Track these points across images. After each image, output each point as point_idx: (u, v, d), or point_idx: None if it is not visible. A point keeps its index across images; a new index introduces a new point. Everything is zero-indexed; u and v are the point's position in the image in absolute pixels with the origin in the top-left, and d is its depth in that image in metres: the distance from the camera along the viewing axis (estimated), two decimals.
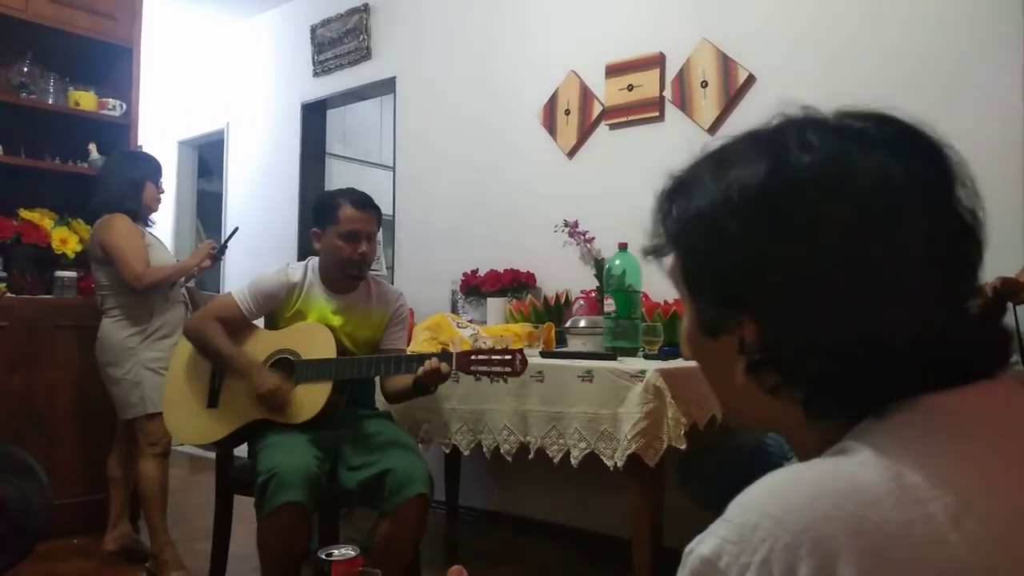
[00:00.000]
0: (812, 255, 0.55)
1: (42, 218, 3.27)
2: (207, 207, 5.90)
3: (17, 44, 3.38)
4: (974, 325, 0.58)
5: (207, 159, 5.92)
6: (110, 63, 3.59)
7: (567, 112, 3.37)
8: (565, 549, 3.13)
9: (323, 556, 1.01)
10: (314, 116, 4.71)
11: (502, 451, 2.38)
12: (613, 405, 2.13)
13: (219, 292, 4.57)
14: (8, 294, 3.10)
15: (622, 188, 3.16)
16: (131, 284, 2.76)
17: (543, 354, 2.50)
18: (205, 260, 2.93)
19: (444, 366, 2.10)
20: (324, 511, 2.52)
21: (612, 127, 3.24)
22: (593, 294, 2.98)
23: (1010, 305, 2.08)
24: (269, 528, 2.00)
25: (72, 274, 3.28)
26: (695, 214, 0.62)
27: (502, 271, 3.36)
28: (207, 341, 2.29)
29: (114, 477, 2.98)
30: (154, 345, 2.84)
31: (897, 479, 0.49)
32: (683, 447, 2.04)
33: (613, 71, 3.22)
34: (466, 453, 2.56)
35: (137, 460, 2.84)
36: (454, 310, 3.44)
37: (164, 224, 4.88)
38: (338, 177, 4.98)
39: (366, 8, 4.25)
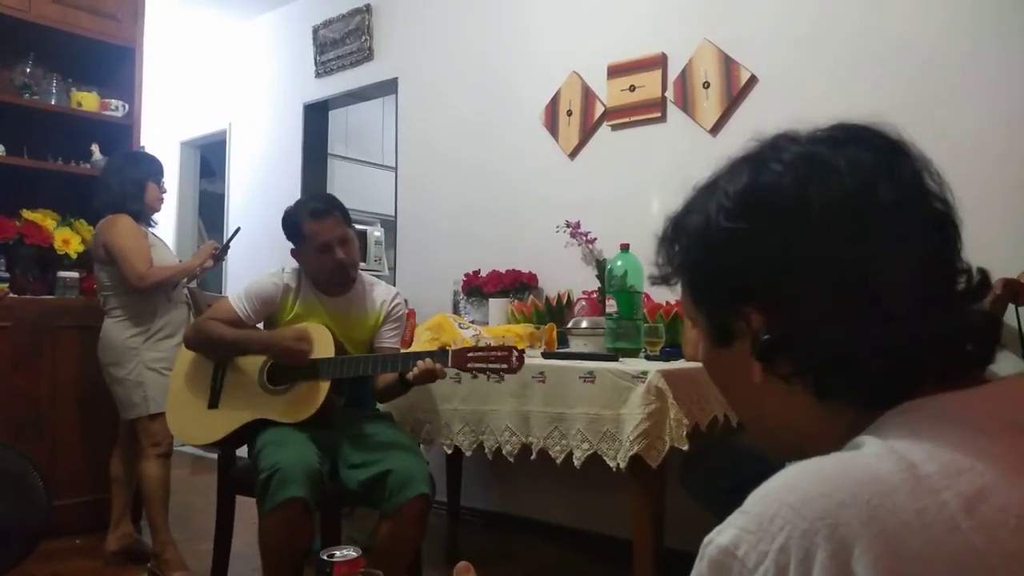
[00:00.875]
0: (796, 242, 0.59)
1: (44, 219, 3.28)
2: (209, 207, 5.91)
3: (20, 45, 3.38)
4: (966, 312, 0.61)
5: (209, 160, 5.92)
6: (113, 64, 3.60)
7: (569, 113, 3.37)
8: (567, 550, 3.13)
9: (325, 557, 1.01)
10: (316, 117, 4.72)
11: (504, 452, 2.38)
12: (615, 406, 2.12)
13: (221, 293, 4.57)
14: (11, 294, 3.10)
15: (624, 189, 3.16)
16: (134, 284, 2.76)
17: (545, 355, 2.50)
18: (208, 260, 2.94)
19: (439, 367, 2.11)
20: (325, 511, 2.53)
21: (614, 128, 3.24)
22: (595, 295, 2.98)
23: (1010, 307, 2.09)
24: (271, 525, 2.00)
25: (74, 274, 3.29)
26: (693, 231, 0.67)
27: (504, 272, 3.36)
28: (213, 337, 2.30)
29: (116, 477, 2.98)
30: (157, 345, 2.85)
31: (911, 469, 0.50)
32: (685, 448, 2.04)
33: (615, 72, 3.22)
34: (468, 454, 2.56)
35: (139, 460, 2.84)
36: (456, 311, 3.44)
37: (166, 224, 4.89)
38: (340, 178, 4.98)
39: (368, 9, 4.25)
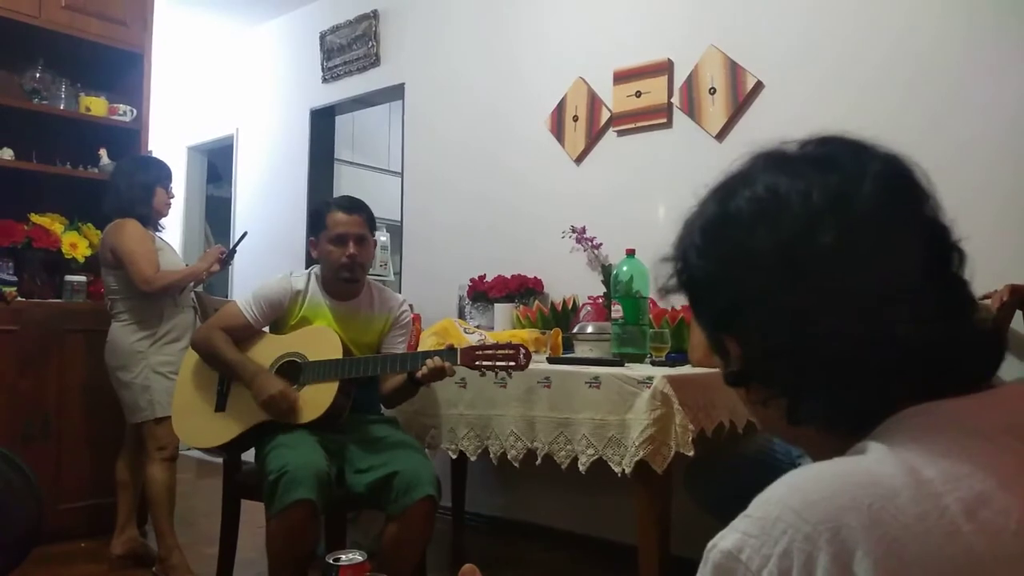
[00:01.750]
0: (747, 279, 0.62)
1: (52, 223, 3.29)
2: (216, 212, 5.93)
3: (30, 50, 3.40)
4: (958, 324, 0.60)
5: (216, 164, 5.95)
6: (121, 69, 3.62)
7: (575, 118, 3.38)
8: (572, 555, 3.12)
9: (331, 561, 1.01)
10: (323, 122, 4.73)
11: (509, 457, 2.38)
12: (621, 411, 2.12)
13: (227, 296, 4.58)
14: (19, 298, 3.12)
15: (630, 194, 3.16)
16: (140, 288, 2.77)
17: (550, 360, 2.50)
18: (214, 265, 2.95)
19: (448, 365, 2.13)
20: (331, 515, 2.53)
21: (620, 133, 3.24)
22: (600, 300, 2.98)
23: (1016, 312, 2.08)
24: (279, 527, 2.01)
25: (82, 278, 3.30)
26: (678, 256, 0.70)
27: (509, 277, 3.36)
28: (214, 351, 2.32)
29: (122, 481, 2.98)
30: (163, 349, 2.85)
31: (913, 474, 0.51)
32: (691, 454, 2.04)
33: (621, 77, 3.22)
34: (473, 459, 2.55)
35: (145, 464, 2.84)
36: (461, 315, 3.44)
37: (173, 229, 4.91)
38: (346, 183, 4.99)
39: (375, 15, 4.27)
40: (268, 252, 4.53)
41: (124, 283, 2.84)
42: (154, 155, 3.31)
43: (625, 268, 2.49)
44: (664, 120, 3.10)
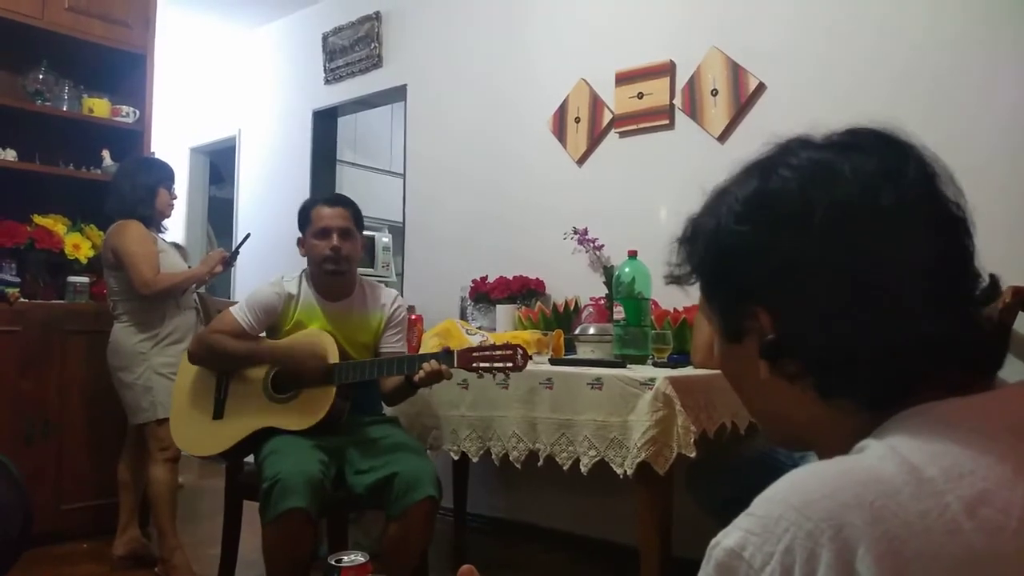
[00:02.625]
0: (803, 243, 0.61)
1: (55, 224, 3.30)
2: (218, 213, 5.94)
3: (33, 52, 3.41)
4: (974, 318, 0.62)
5: (219, 166, 5.95)
6: (124, 70, 3.62)
7: (577, 120, 3.38)
8: (573, 557, 3.12)
9: (333, 562, 1.01)
10: (325, 123, 4.74)
11: (511, 458, 2.38)
12: (623, 413, 2.12)
13: (230, 298, 4.59)
14: (21, 299, 3.12)
15: (632, 196, 3.16)
16: (140, 290, 2.77)
17: (552, 361, 2.50)
18: (217, 266, 2.95)
19: (444, 367, 2.13)
20: (333, 516, 2.53)
21: (622, 135, 3.24)
22: (602, 301, 2.98)
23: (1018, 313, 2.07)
24: (273, 534, 2.01)
25: (84, 279, 3.31)
26: (704, 233, 0.69)
27: (511, 278, 3.36)
28: (220, 351, 2.31)
29: (124, 481, 2.98)
30: (165, 350, 2.86)
31: (914, 472, 0.51)
32: (693, 455, 2.04)
33: (623, 79, 3.22)
34: (475, 460, 2.55)
35: (147, 465, 2.85)
36: (463, 317, 3.44)
37: (176, 230, 4.91)
38: (348, 184, 5.00)
39: (377, 16, 4.27)
40: (270, 253, 4.52)
41: (126, 284, 2.84)
42: (156, 156, 3.32)
43: (627, 269, 2.49)
44: (666, 121, 3.10)
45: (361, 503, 2.29)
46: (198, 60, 5.59)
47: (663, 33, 3.15)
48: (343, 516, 2.62)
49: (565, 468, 2.24)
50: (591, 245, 3.19)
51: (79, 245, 3.30)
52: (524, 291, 3.32)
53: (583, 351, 2.62)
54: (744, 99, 2.89)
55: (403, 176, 4.20)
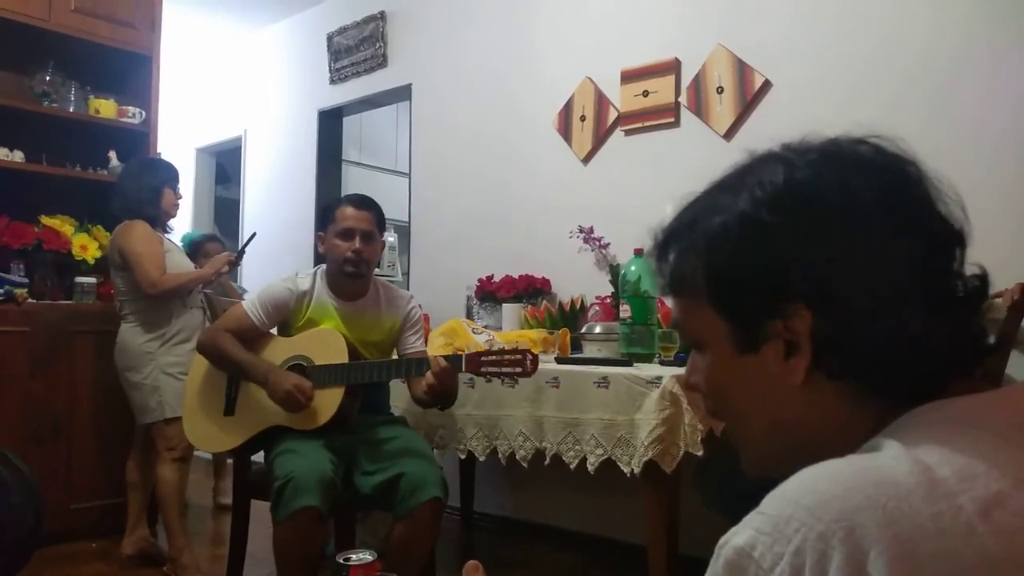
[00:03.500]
0: (846, 234, 0.59)
1: (63, 225, 3.31)
2: (224, 213, 5.95)
3: (40, 53, 3.42)
4: (968, 317, 0.62)
5: (224, 166, 5.97)
6: (130, 72, 3.64)
7: (582, 118, 3.37)
8: (580, 556, 3.12)
9: (341, 560, 1.01)
10: (330, 123, 4.74)
11: (518, 457, 2.38)
12: (629, 411, 2.12)
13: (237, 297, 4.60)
14: (29, 300, 3.14)
15: (638, 194, 3.15)
16: (146, 290, 2.78)
17: (559, 360, 2.50)
18: (224, 267, 2.96)
19: (441, 360, 2.10)
20: (340, 516, 2.53)
21: (627, 133, 3.24)
22: (608, 300, 2.97)
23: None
24: (285, 532, 2.01)
25: (92, 280, 3.32)
26: (719, 230, 0.63)
27: (517, 277, 3.36)
28: (222, 353, 2.31)
29: (132, 481, 3.00)
30: (172, 350, 2.87)
31: (927, 473, 0.50)
32: (700, 453, 2.03)
33: (628, 77, 3.22)
34: (481, 459, 2.56)
35: (155, 464, 2.86)
36: (469, 316, 3.44)
37: (182, 230, 4.92)
38: (354, 184, 5.00)
39: (382, 16, 4.27)
40: (276, 253, 4.54)
41: (133, 284, 2.85)
42: (162, 157, 3.33)
43: (633, 268, 2.49)
44: (672, 119, 3.10)
45: (368, 503, 2.29)
46: (204, 61, 5.60)
47: (668, 31, 3.14)
48: (351, 516, 2.63)
49: (572, 467, 2.24)
50: (597, 244, 3.19)
51: (86, 246, 3.31)
52: (530, 290, 3.32)
53: (589, 350, 2.61)
54: (750, 97, 2.88)
55: (408, 175, 4.21)
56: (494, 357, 2.09)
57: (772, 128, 2.83)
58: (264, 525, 2.12)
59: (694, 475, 2.11)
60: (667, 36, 3.14)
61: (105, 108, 3.52)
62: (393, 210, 4.76)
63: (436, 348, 2.78)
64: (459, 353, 2.18)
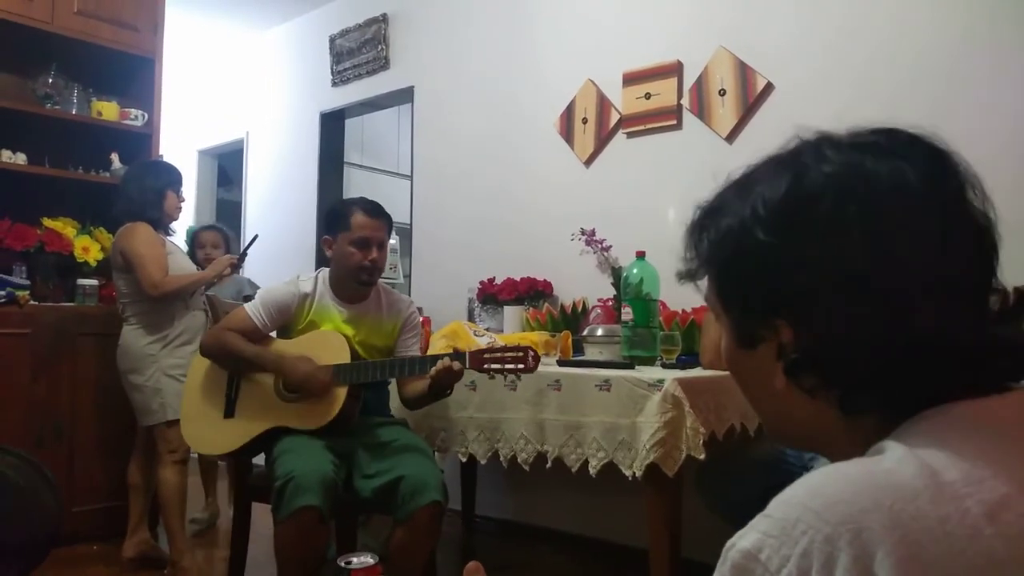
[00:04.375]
0: (836, 258, 0.59)
1: (65, 227, 3.32)
2: (226, 216, 5.95)
3: (43, 55, 3.43)
4: (999, 328, 0.61)
5: (227, 168, 5.98)
6: (132, 74, 3.64)
7: (584, 120, 3.37)
8: (582, 559, 3.11)
9: (342, 564, 1.01)
10: (332, 125, 4.75)
11: (519, 460, 2.38)
12: (631, 414, 2.11)
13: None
14: (31, 302, 3.14)
15: (639, 196, 3.15)
16: (148, 292, 2.78)
17: (560, 363, 2.49)
18: (226, 268, 2.96)
19: (456, 364, 2.13)
20: (341, 519, 2.53)
21: (629, 135, 3.23)
22: (610, 302, 2.97)
23: None
24: (286, 533, 2.01)
25: (94, 282, 3.32)
26: (725, 232, 0.66)
27: (519, 279, 3.36)
28: (229, 349, 2.31)
29: (134, 484, 3.00)
30: (174, 352, 2.87)
31: (934, 476, 0.50)
32: (702, 457, 2.03)
33: (630, 79, 3.22)
34: (483, 462, 2.55)
35: (157, 466, 2.85)
36: (471, 318, 3.44)
37: (183, 232, 4.92)
38: (355, 186, 5.01)
39: (384, 18, 4.28)
40: (278, 255, 4.54)
41: (135, 287, 2.85)
42: (165, 159, 3.33)
43: (635, 270, 2.48)
44: (674, 122, 3.09)
45: (367, 506, 2.29)
46: (206, 63, 5.61)
47: (670, 33, 3.14)
48: (352, 518, 2.62)
49: (573, 470, 2.24)
50: (599, 246, 3.19)
51: (88, 248, 3.32)
52: (532, 292, 3.31)
53: (591, 352, 2.61)
54: (752, 99, 2.88)
55: (410, 178, 4.21)
56: (496, 354, 2.11)
57: (774, 130, 2.82)
58: (265, 528, 2.12)
59: (696, 478, 2.10)
60: (669, 38, 3.13)
61: (107, 110, 3.52)
62: (395, 212, 4.73)
63: (437, 350, 2.77)
64: (457, 349, 2.19)
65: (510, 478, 3.41)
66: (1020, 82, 2.36)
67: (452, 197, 3.92)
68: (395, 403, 2.64)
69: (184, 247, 3.53)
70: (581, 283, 3.25)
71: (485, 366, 2.11)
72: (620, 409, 2.14)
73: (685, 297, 2.48)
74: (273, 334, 2.43)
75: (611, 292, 3.01)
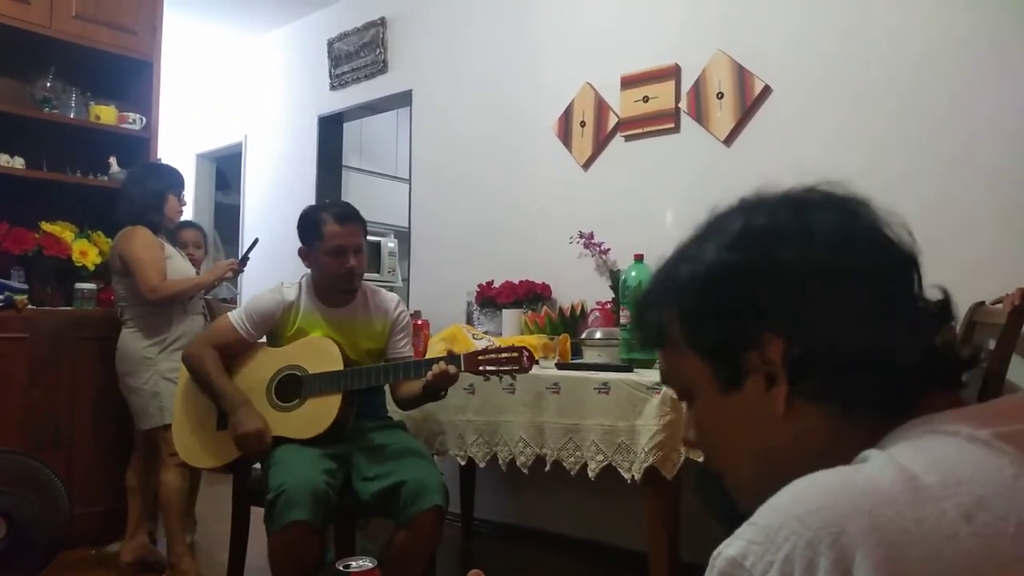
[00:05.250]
0: (809, 254, 0.63)
1: (63, 231, 3.32)
2: (225, 219, 5.96)
3: (41, 59, 3.43)
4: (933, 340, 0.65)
5: (225, 172, 5.98)
6: (130, 78, 3.64)
7: (582, 124, 3.38)
8: (581, 562, 3.11)
9: (341, 568, 1.01)
10: (331, 129, 4.75)
11: (518, 463, 2.38)
12: (630, 417, 2.12)
13: (236, 303, 4.59)
14: (29, 306, 3.13)
15: (638, 200, 3.15)
16: (146, 296, 2.78)
17: (559, 366, 2.50)
18: (227, 272, 2.96)
19: (452, 368, 2.12)
20: (340, 523, 2.52)
21: (627, 139, 3.24)
22: (609, 305, 2.97)
23: None
24: (278, 544, 2.02)
25: (92, 286, 3.32)
26: (689, 276, 0.68)
27: (517, 282, 3.36)
28: (202, 374, 2.30)
29: (132, 487, 2.99)
30: (172, 355, 2.86)
31: (912, 480, 0.52)
32: (701, 460, 2.03)
33: (628, 82, 3.22)
34: (482, 465, 2.55)
35: (158, 469, 2.85)
36: (469, 321, 3.45)
37: None
38: (354, 189, 5.01)
39: (383, 22, 4.28)
40: (277, 259, 4.53)
41: (133, 290, 2.85)
42: (163, 163, 3.33)
43: (633, 273, 2.49)
44: (672, 125, 3.10)
45: (368, 510, 2.29)
46: (204, 66, 5.61)
47: (668, 36, 3.14)
48: (351, 522, 2.62)
49: (572, 473, 2.24)
50: (597, 249, 3.19)
51: (86, 252, 3.31)
52: (530, 296, 3.32)
53: (590, 355, 2.61)
54: (750, 102, 2.88)
55: (409, 181, 4.21)
56: (491, 355, 2.11)
57: (772, 134, 2.84)
58: (264, 532, 2.12)
59: (695, 481, 2.11)
60: (667, 41, 3.14)
61: (106, 114, 3.52)
62: (393, 216, 4.79)
63: (436, 354, 2.77)
64: (452, 351, 2.19)
65: (509, 481, 3.41)
66: (1022, 86, 2.36)
67: (450, 200, 3.92)
68: (391, 404, 2.63)
69: None
70: (579, 286, 3.25)
71: (480, 368, 2.11)
72: (619, 412, 2.14)
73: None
74: (263, 340, 2.42)
75: (609, 295, 3.01)
